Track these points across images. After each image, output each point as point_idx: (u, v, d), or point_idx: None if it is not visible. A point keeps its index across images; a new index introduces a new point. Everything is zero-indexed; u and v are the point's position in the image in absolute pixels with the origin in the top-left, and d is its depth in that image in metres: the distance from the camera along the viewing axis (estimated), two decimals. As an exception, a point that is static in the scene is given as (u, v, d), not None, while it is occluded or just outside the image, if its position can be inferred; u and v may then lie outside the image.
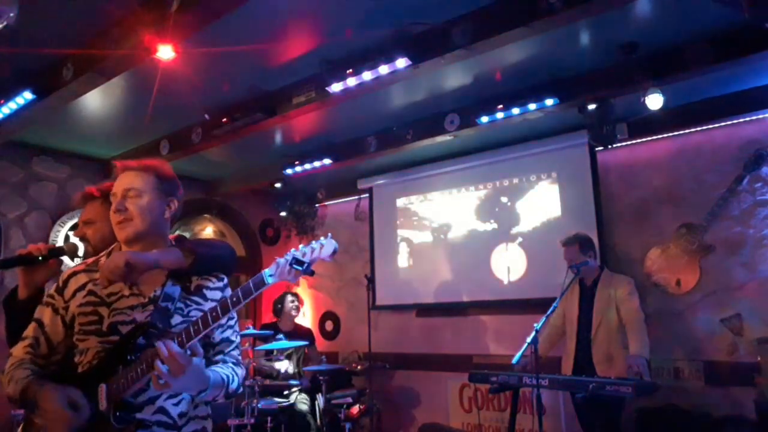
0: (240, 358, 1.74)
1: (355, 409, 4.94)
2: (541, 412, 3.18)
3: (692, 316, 4.31)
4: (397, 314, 6.01)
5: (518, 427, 4.21)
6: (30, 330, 1.69)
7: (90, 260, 1.77)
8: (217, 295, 1.71)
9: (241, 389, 1.70)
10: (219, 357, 1.69)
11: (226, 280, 1.78)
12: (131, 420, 1.51)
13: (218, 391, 1.58)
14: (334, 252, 1.46)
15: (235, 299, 1.48)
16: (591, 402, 3.56)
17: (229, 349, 1.71)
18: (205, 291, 1.71)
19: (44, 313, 1.68)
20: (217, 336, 1.70)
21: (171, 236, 1.81)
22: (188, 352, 1.45)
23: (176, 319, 1.62)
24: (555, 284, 3.95)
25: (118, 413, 1.50)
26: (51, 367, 1.65)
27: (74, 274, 1.71)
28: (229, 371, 1.64)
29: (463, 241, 5.62)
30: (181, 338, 1.47)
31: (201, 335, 1.48)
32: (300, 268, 1.43)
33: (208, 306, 1.66)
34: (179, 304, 1.64)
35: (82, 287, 1.67)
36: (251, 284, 1.46)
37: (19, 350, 1.66)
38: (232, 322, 1.74)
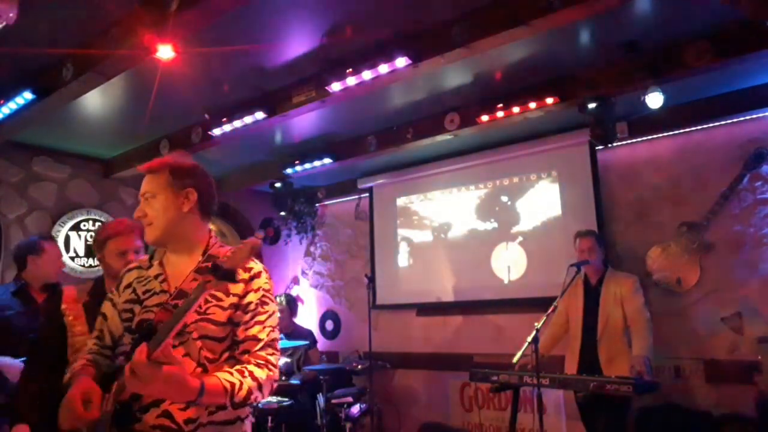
0: (271, 358, 1.58)
1: (356, 408, 4.94)
2: (541, 411, 3.18)
3: (693, 315, 4.31)
4: (398, 313, 6.01)
5: (519, 426, 4.21)
6: (97, 323, 1.75)
7: (144, 257, 1.80)
8: (240, 288, 1.60)
9: (260, 396, 1.53)
10: (245, 357, 1.56)
11: (253, 271, 1.64)
12: (128, 422, 1.47)
13: (219, 400, 1.45)
14: (253, 251, 1.40)
15: (183, 308, 1.40)
16: (594, 401, 3.56)
17: (255, 348, 1.57)
18: (229, 285, 1.58)
19: (107, 307, 1.74)
20: (240, 334, 1.58)
21: (205, 232, 1.74)
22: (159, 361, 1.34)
23: (193, 316, 1.54)
24: (555, 283, 3.94)
25: (117, 415, 1.47)
26: (119, 357, 1.66)
27: (129, 270, 1.76)
28: (236, 378, 1.47)
29: (463, 241, 5.62)
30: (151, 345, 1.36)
31: (164, 343, 1.33)
32: (214, 273, 1.37)
33: (229, 302, 1.59)
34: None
35: (129, 284, 1.70)
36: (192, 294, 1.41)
37: (89, 341, 1.72)
38: (261, 318, 1.60)
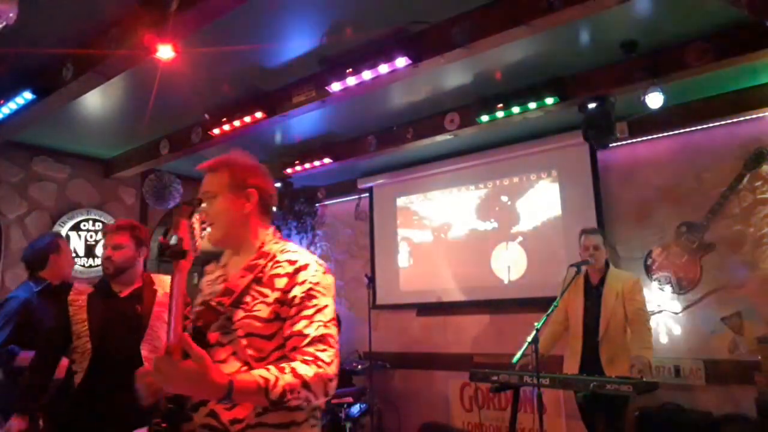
0: (321, 355, 1.43)
1: (356, 408, 4.94)
2: (541, 411, 3.18)
3: (693, 315, 4.31)
4: (398, 313, 6.01)
5: (519, 426, 4.20)
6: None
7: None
8: (283, 282, 1.51)
9: (311, 396, 1.39)
10: (293, 354, 1.45)
11: (299, 263, 1.54)
12: (179, 420, 1.44)
13: (254, 398, 1.34)
14: (180, 215, 1.35)
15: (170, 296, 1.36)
16: (594, 401, 3.56)
17: (302, 344, 1.44)
18: (275, 280, 1.52)
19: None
20: (287, 329, 1.48)
21: (269, 230, 1.68)
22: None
23: (239, 314, 1.50)
24: (555, 283, 3.94)
25: (167, 413, 1.45)
26: None
27: (204, 275, 1.76)
28: (272, 374, 1.35)
29: (463, 240, 5.62)
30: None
31: (173, 333, 1.30)
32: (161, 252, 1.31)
33: (273, 297, 1.50)
34: (246, 298, 1.52)
35: (201, 288, 1.73)
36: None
37: None
38: (308, 312, 1.48)
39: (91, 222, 5.39)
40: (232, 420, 1.43)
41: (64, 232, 5.20)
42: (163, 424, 1.41)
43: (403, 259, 6.05)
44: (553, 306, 3.37)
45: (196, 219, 1.37)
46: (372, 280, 5.92)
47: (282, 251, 1.60)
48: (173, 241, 1.34)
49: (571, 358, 3.84)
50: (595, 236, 3.83)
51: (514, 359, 3.32)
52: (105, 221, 5.47)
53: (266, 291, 1.52)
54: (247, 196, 1.63)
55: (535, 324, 3.21)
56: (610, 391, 3.14)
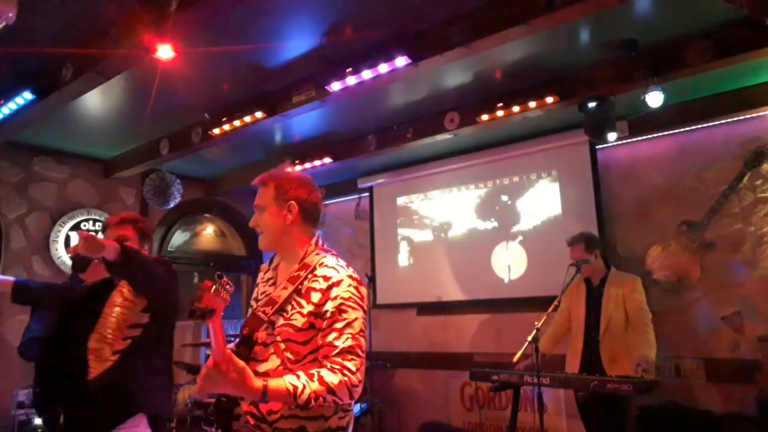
0: (348, 364, 1.62)
1: (356, 407, 4.94)
2: (542, 411, 3.19)
3: (693, 314, 4.31)
4: (398, 313, 6.02)
5: (519, 425, 4.20)
6: None
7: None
8: (318, 297, 1.67)
9: (337, 399, 1.60)
10: (324, 361, 1.62)
11: (332, 280, 1.69)
12: (230, 406, 1.67)
13: (286, 400, 1.54)
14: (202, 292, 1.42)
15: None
16: (595, 400, 3.56)
17: (332, 354, 1.61)
18: (311, 293, 1.69)
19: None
20: (320, 339, 1.65)
21: (306, 241, 1.81)
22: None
23: (279, 321, 1.70)
24: (556, 282, 3.93)
25: (219, 400, 1.68)
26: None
27: (261, 271, 1.97)
28: (301, 381, 1.54)
29: (463, 240, 5.62)
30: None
31: (222, 354, 1.49)
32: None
33: (307, 309, 1.67)
34: (287, 307, 1.71)
35: (257, 283, 1.94)
36: None
37: None
38: (338, 325, 1.64)
39: (91, 222, 5.39)
40: (268, 411, 1.64)
41: (64, 232, 5.21)
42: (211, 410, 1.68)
43: (404, 259, 6.05)
44: (554, 304, 3.36)
45: (219, 284, 1.45)
46: (372, 279, 5.92)
47: (320, 265, 1.75)
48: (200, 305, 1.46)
49: (573, 357, 3.85)
50: (574, 247, 3.81)
51: (515, 358, 3.32)
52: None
53: (303, 302, 1.69)
54: (288, 208, 1.80)
55: (536, 323, 3.22)
56: (610, 390, 3.14)
